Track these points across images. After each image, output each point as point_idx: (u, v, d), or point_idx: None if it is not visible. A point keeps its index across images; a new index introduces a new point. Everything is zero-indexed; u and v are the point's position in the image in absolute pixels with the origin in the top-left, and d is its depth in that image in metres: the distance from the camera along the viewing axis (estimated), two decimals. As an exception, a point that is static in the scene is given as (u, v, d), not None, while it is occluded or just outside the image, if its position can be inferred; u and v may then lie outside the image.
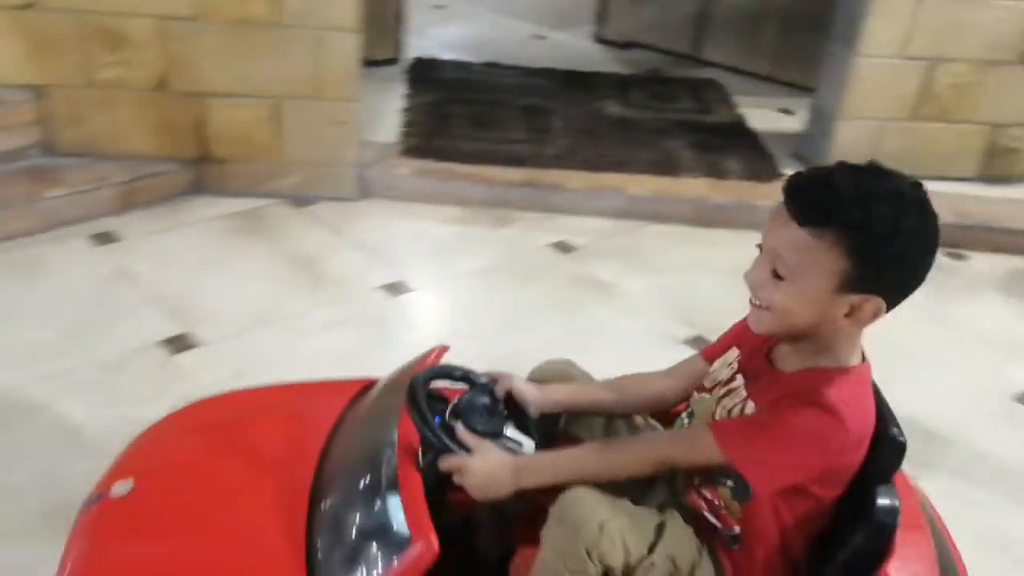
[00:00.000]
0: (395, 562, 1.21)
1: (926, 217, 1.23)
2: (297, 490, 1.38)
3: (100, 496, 1.46)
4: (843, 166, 1.25)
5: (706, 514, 1.38)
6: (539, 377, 1.56)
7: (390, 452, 1.32)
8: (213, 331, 2.64)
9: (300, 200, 3.42)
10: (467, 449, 1.34)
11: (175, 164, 3.27)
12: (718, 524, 1.37)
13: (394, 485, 1.27)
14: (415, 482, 1.27)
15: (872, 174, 1.24)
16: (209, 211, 3.26)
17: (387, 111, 3.99)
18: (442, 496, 1.34)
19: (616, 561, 1.27)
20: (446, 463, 1.33)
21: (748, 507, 1.33)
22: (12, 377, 2.35)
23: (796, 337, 1.32)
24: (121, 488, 1.44)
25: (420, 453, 1.34)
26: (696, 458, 1.33)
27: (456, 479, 1.32)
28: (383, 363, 1.70)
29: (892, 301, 1.25)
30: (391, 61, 4.53)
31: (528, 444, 1.41)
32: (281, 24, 3.10)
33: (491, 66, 4.72)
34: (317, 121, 3.32)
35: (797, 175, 1.27)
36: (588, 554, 1.26)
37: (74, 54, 3.02)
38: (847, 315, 1.26)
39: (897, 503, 1.29)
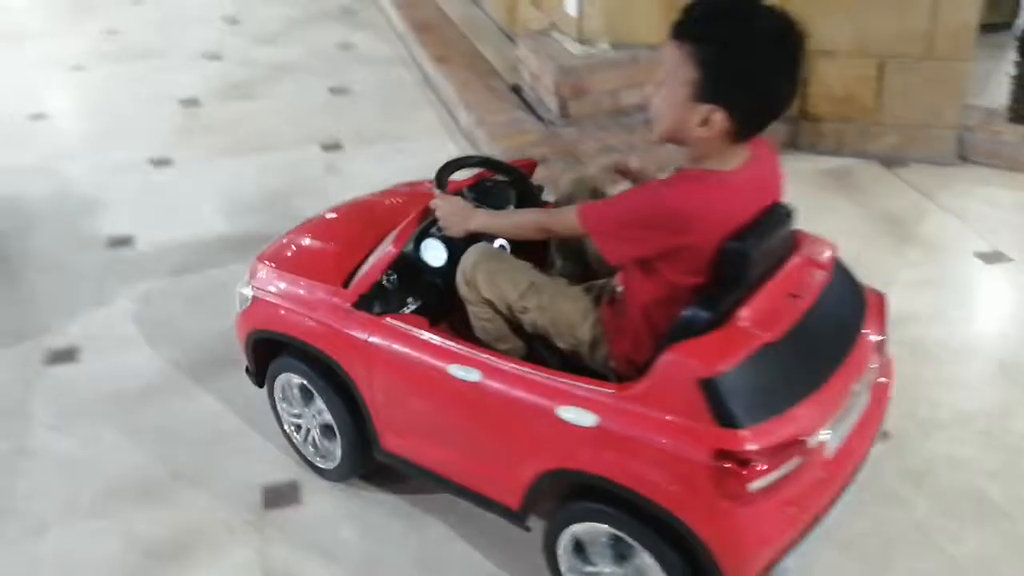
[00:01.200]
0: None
1: (780, 46, 1.42)
2: (378, 236, 2.02)
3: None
4: None
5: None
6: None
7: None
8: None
9: (892, 161, 3.40)
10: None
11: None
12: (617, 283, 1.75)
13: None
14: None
15: (745, 2, 1.44)
16: (801, 166, 3.41)
17: (995, 76, 3.73)
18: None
19: (492, 296, 1.78)
20: (431, 203, 1.89)
21: (623, 276, 1.69)
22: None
23: (676, 143, 1.53)
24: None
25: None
26: (563, 227, 1.71)
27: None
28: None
29: (740, 117, 1.44)
30: (1006, 26, 4.20)
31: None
32: (901, -18, 3.10)
33: None
34: (921, 81, 3.26)
35: None
36: (469, 286, 1.80)
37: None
38: (701, 124, 1.45)
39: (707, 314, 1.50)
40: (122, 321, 2.78)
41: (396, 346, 1.83)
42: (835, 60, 3.30)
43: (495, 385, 1.70)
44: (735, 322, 1.51)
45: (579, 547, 1.72)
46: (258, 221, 3.27)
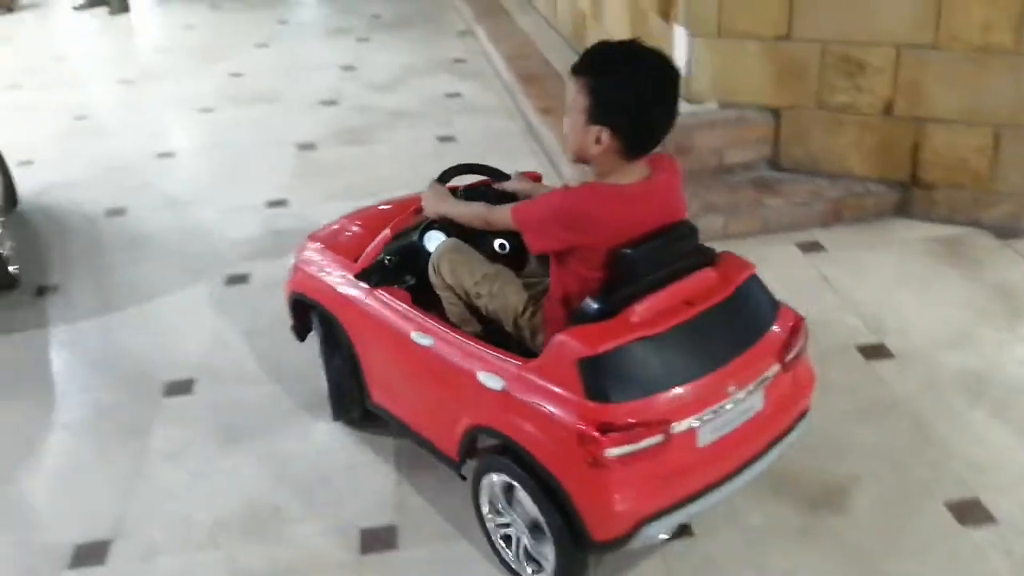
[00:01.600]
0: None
1: (657, 81, 1.77)
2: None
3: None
4: (616, 41, 1.84)
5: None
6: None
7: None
8: (906, 344, 2.75)
9: (1006, 231, 3.31)
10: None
11: (884, 186, 3.43)
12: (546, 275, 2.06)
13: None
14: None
15: (629, 44, 1.80)
16: (910, 233, 3.35)
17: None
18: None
19: (452, 282, 2.14)
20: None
21: (550, 270, 1.97)
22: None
23: (583, 162, 1.87)
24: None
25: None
26: (500, 221, 2.00)
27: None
28: None
29: (624, 137, 1.77)
30: None
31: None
32: (1021, 52, 3.03)
33: None
34: (1040, 151, 3.17)
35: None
36: (436, 273, 2.16)
37: (812, 80, 3.37)
38: (595, 143, 1.79)
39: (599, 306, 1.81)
40: (237, 356, 2.92)
41: (380, 312, 2.24)
42: (949, 128, 3.25)
43: (442, 349, 2.07)
44: (626, 316, 1.80)
45: (495, 497, 2.03)
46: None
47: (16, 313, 3.24)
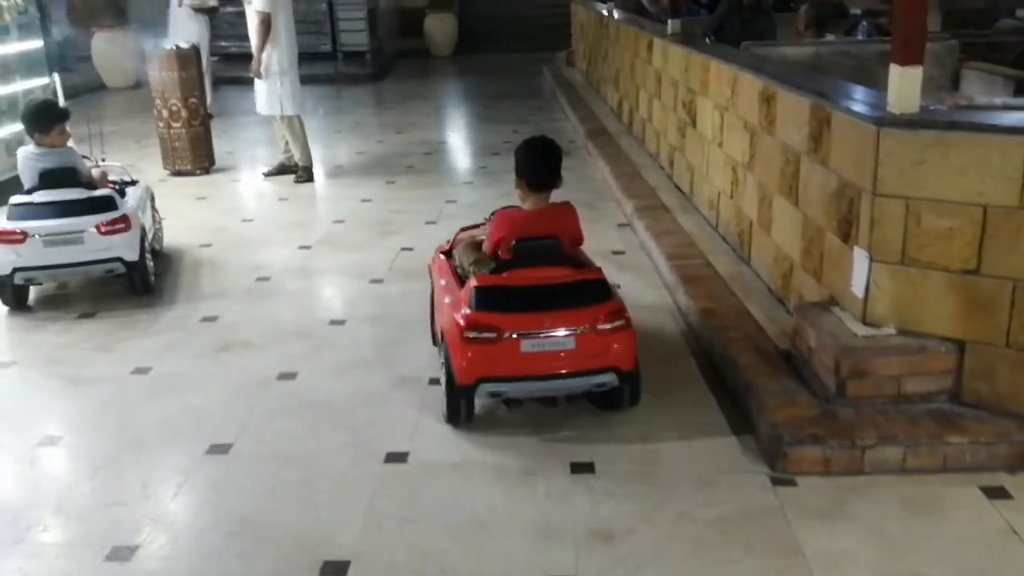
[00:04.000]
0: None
1: (536, 152, 3.63)
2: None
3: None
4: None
5: None
6: None
7: None
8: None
9: None
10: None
11: (1080, 433, 3.21)
12: None
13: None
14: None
15: (530, 138, 3.73)
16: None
17: None
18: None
19: (459, 263, 3.82)
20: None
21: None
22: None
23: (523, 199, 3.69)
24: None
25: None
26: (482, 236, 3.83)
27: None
28: None
29: (525, 181, 3.62)
30: None
31: None
32: None
33: None
34: None
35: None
36: (455, 258, 3.92)
37: (1002, 317, 3.25)
38: (517, 185, 3.64)
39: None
40: (391, 540, 2.92)
41: (437, 269, 4.05)
42: None
43: (446, 284, 3.81)
44: (506, 274, 3.49)
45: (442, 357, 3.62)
46: (528, 456, 3.39)
47: (190, 472, 3.37)
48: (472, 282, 3.47)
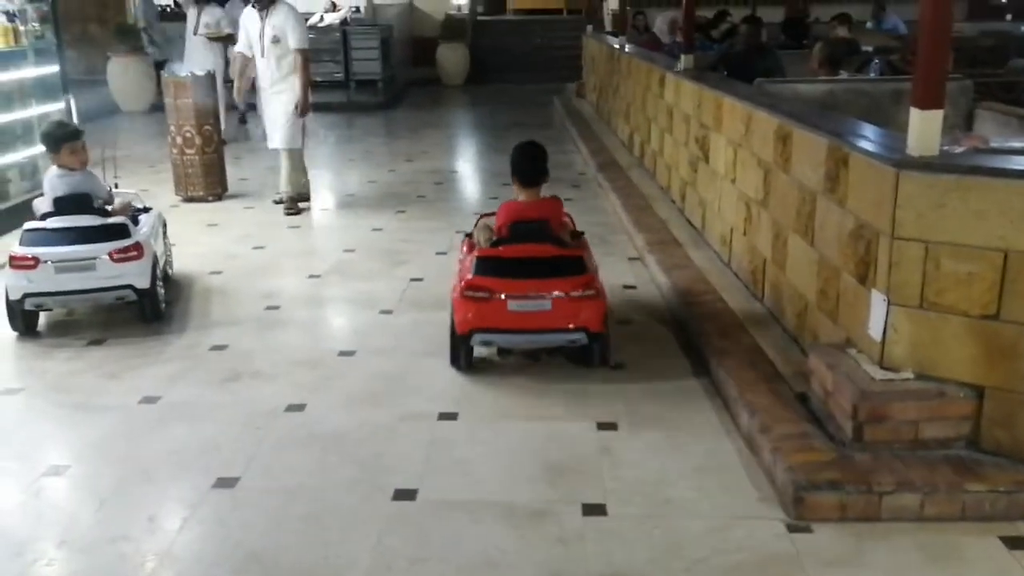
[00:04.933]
0: None
1: (523, 152, 4.55)
2: None
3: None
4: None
5: None
6: None
7: None
8: None
9: None
10: None
11: (1102, 484, 3.15)
12: None
13: None
14: None
15: (529, 141, 4.66)
16: None
17: None
18: None
19: (476, 240, 4.57)
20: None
21: None
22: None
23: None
24: None
25: None
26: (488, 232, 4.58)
27: None
28: None
29: (516, 178, 4.55)
30: None
31: None
32: None
33: None
34: None
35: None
36: (472, 236, 4.75)
37: (1020, 362, 3.20)
38: (513, 183, 4.57)
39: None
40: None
41: (462, 247, 4.89)
42: None
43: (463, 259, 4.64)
44: (502, 248, 4.30)
45: None
46: (538, 495, 3.35)
47: (197, 505, 3.33)
48: (475, 253, 4.36)
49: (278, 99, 7.50)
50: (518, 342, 4.42)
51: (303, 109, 7.48)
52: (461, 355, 4.38)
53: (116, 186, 5.70)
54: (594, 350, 4.35)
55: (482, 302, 4.17)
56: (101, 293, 4.90)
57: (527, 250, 4.27)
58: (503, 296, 4.16)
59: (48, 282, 4.77)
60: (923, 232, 3.32)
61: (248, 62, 7.60)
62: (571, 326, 4.22)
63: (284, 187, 7.75)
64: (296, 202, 7.71)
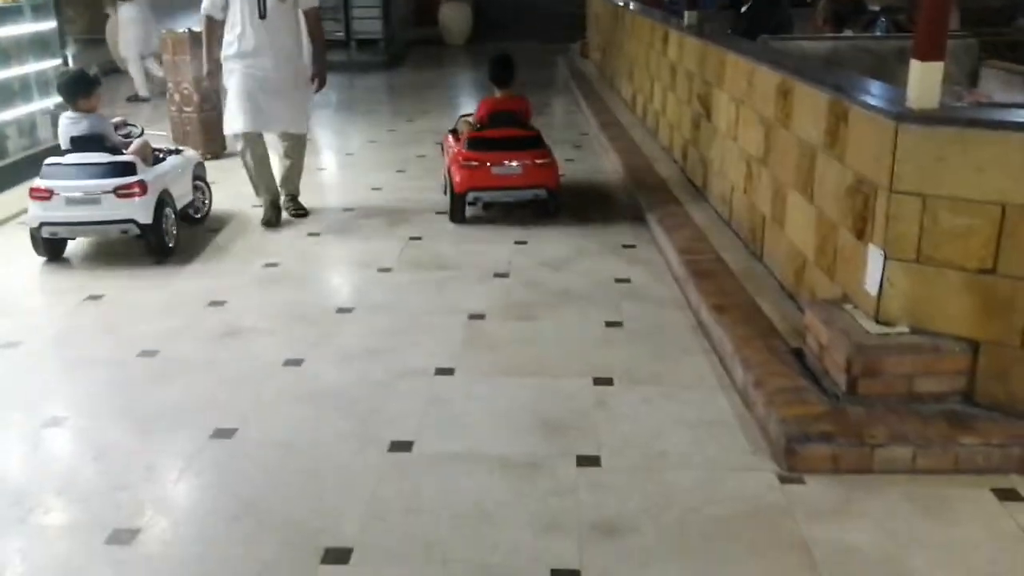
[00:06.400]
0: None
1: (498, 62, 6.27)
2: None
3: None
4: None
5: None
6: None
7: None
8: None
9: None
10: None
11: (1095, 438, 3.15)
12: None
13: None
14: None
15: (502, 53, 6.39)
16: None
17: None
18: None
19: (462, 130, 6.58)
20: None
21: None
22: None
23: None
24: None
25: None
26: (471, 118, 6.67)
27: None
28: None
29: (492, 79, 6.34)
30: None
31: None
32: None
33: None
34: None
35: None
36: (455, 128, 6.87)
37: (1016, 316, 3.20)
38: (492, 84, 6.36)
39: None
40: (393, 529, 2.90)
41: (447, 141, 6.68)
42: None
43: (452, 145, 6.44)
44: (485, 131, 6.12)
45: None
46: (533, 449, 3.37)
47: (194, 456, 3.36)
48: (466, 134, 6.09)
49: (287, 70, 6.04)
50: (499, 197, 6.10)
51: (323, 81, 6.25)
52: (459, 210, 6.03)
53: (143, 132, 5.95)
54: (550, 202, 6.11)
55: (474, 169, 5.91)
56: (106, 225, 5.27)
57: (503, 133, 6.01)
58: (488, 164, 5.90)
59: (60, 212, 5.19)
60: (921, 185, 3.29)
61: (218, 28, 5.95)
62: (536, 184, 6.00)
63: (287, 184, 6.41)
64: (296, 198, 6.45)
